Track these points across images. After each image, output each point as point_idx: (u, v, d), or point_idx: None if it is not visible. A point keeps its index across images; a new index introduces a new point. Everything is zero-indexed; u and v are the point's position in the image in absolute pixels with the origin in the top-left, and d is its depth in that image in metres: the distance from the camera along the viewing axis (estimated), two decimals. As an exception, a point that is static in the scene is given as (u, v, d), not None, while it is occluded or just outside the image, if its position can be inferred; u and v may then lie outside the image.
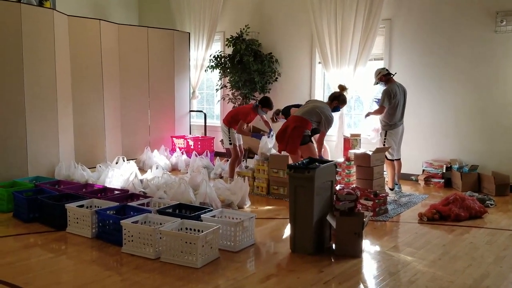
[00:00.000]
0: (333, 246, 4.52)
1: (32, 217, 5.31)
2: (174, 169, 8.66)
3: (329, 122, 6.35)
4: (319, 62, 8.68)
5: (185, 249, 4.06)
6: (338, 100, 6.56)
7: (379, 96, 6.90)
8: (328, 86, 8.74)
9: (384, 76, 6.80)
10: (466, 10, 7.24)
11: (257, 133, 7.47)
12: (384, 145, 6.79)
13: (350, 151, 6.99)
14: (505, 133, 7.09)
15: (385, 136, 6.81)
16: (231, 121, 7.28)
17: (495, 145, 7.17)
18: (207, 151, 8.82)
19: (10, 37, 6.65)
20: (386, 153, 6.78)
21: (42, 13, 7.12)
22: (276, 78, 9.24)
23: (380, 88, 6.96)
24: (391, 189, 6.84)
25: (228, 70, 9.32)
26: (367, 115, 7.03)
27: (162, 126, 9.54)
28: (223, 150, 9.48)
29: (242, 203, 6.09)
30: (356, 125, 8.72)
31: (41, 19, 7.01)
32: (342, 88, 6.74)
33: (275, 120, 7.80)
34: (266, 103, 7.23)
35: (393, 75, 6.87)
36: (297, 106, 7.39)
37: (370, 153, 6.60)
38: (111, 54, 8.58)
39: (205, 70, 10.04)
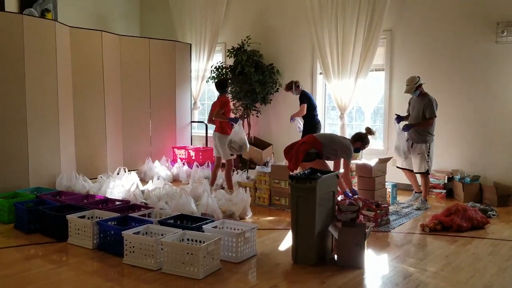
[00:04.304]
0: (335, 257, 4.51)
1: (33, 228, 5.29)
2: (175, 179, 8.65)
3: (347, 152, 6.01)
4: (320, 73, 8.70)
5: (187, 260, 4.04)
6: (362, 142, 6.24)
7: (398, 112, 6.90)
8: (329, 96, 8.76)
9: (421, 85, 6.60)
10: (467, 21, 7.27)
11: (233, 119, 7.21)
12: (427, 160, 6.54)
13: (352, 161, 6.96)
14: (507, 144, 7.08)
15: (429, 149, 6.58)
16: (222, 125, 7.10)
17: (497, 156, 7.16)
18: (208, 162, 8.80)
19: (12, 48, 6.66)
20: (401, 161, 6.73)
21: (44, 24, 7.15)
22: (277, 89, 9.25)
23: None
24: (426, 200, 6.71)
25: (229, 81, 9.34)
26: (411, 126, 6.60)
27: (163, 137, 9.54)
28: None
29: (243, 214, 6.08)
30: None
31: (43, 30, 7.03)
32: (370, 131, 6.32)
33: (291, 90, 7.95)
34: (220, 85, 7.25)
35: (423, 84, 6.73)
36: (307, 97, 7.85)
37: (372, 163, 6.60)
38: (112, 65, 8.60)
39: (207, 81, 10.09)
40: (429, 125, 6.55)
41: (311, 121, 7.92)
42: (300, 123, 8.00)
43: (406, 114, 6.88)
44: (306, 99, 7.93)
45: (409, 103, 6.86)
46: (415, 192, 6.86)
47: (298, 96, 8.01)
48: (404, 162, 6.79)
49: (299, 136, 7.72)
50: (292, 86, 7.99)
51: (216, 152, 7.33)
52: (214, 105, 7.32)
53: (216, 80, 7.68)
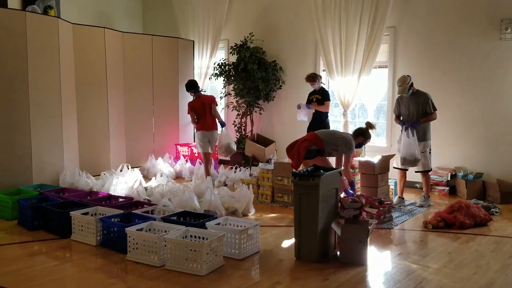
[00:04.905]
0: (338, 254, 4.51)
1: (37, 225, 5.31)
2: (178, 176, 8.66)
3: (348, 145, 6.01)
4: (323, 70, 8.69)
5: (190, 257, 4.05)
6: (364, 136, 6.24)
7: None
8: (332, 93, 8.73)
9: (412, 84, 6.50)
10: (471, 18, 7.25)
11: (223, 122, 7.87)
12: (429, 158, 6.52)
13: (355, 158, 6.96)
14: (510, 141, 7.07)
15: (430, 146, 6.55)
16: (214, 123, 7.69)
17: (500, 153, 7.15)
18: (211, 159, 8.80)
19: (15, 45, 6.67)
20: (398, 162, 6.66)
21: (47, 21, 7.16)
22: (280, 86, 9.25)
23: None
24: (428, 197, 6.67)
25: (232, 78, 9.35)
26: (419, 122, 6.43)
27: (166, 134, 9.55)
28: (227, 158, 9.49)
29: (246, 211, 6.08)
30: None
31: (46, 27, 7.04)
32: (370, 125, 6.31)
33: (314, 82, 7.68)
34: (192, 86, 7.71)
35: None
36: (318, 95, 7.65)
37: (375, 160, 6.59)
38: (115, 62, 8.61)
39: (209, 78, 10.08)
40: (434, 119, 6.51)
41: (325, 121, 7.68)
42: (306, 115, 7.76)
43: (396, 114, 6.73)
44: (329, 97, 7.76)
45: (398, 103, 6.67)
46: (399, 197, 6.70)
47: (319, 90, 7.67)
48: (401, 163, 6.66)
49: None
50: (317, 78, 7.72)
51: (205, 149, 7.74)
52: (198, 104, 7.60)
53: (186, 83, 7.83)
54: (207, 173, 7.68)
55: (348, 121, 8.31)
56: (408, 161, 6.43)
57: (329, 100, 7.68)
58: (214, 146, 7.84)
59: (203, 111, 7.57)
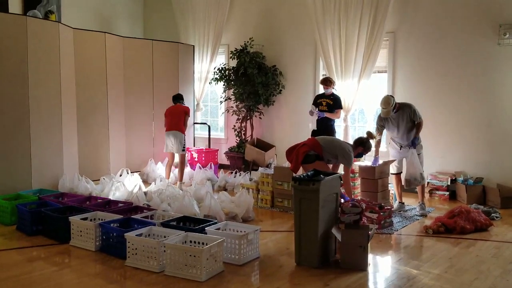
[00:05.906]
0: (339, 259, 4.49)
1: (36, 230, 5.29)
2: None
3: (347, 158, 6.03)
4: (324, 75, 8.69)
5: (189, 262, 4.04)
6: (364, 146, 6.24)
7: None
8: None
9: (397, 103, 6.40)
10: (470, 23, 7.26)
11: None
12: (420, 161, 6.50)
13: (355, 163, 6.95)
14: (510, 146, 7.06)
15: (422, 150, 6.57)
16: (182, 125, 8.01)
17: (500, 158, 7.14)
18: (211, 164, 8.80)
19: (16, 50, 6.67)
20: (393, 166, 6.67)
21: (48, 26, 7.16)
22: (280, 90, 9.25)
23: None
24: (402, 203, 6.70)
25: (232, 83, 9.34)
26: (416, 139, 6.46)
27: (166, 139, 9.53)
28: (227, 162, 9.48)
29: (246, 216, 6.06)
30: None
31: (47, 32, 7.04)
32: (371, 135, 6.34)
33: (329, 86, 7.63)
34: (180, 96, 8.34)
35: None
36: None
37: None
38: (116, 66, 8.61)
39: (209, 83, 10.07)
40: (422, 125, 6.48)
41: (331, 126, 7.63)
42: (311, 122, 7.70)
43: (378, 132, 6.62)
44: (341, 104, 7.75)
45: (381, 121, 6.52)
46: (399, 202, 6.69)
47: (329, 95, 7.60)
48: (397, 167, 6.65)
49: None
50: (333, 83, 7.71)
51: (170, 150, 8.08)
52: (173, 108, 8.12)
53: (176, 95, 8.36)
54: (182, 175, 8.09)
55: (348, 126, 8.30)
56: (416, 182, 6.42)
57: (341, 108, 7.68)
58: (178, 147, 7.96)
59: (174, 113, 8.01)
